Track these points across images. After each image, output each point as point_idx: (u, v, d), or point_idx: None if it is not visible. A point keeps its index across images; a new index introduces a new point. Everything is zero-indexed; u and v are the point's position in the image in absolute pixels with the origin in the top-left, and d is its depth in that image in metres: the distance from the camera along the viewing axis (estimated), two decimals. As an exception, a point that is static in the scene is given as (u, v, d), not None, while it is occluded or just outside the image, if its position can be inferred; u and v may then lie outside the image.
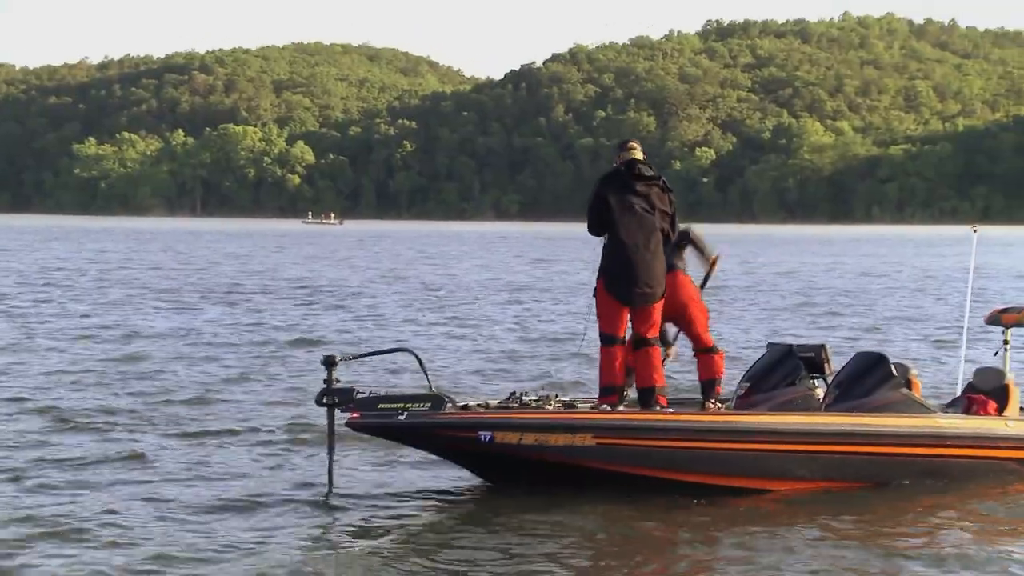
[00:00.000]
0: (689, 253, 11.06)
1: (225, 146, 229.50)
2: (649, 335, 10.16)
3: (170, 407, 13.50)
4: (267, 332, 21.65)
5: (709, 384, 10.65)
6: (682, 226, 10.81)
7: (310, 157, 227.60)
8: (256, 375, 16.07)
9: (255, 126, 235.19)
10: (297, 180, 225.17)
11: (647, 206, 10.11)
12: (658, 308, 10.17)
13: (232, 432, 12.01)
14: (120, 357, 17.72)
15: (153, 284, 35.13)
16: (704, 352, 10.73)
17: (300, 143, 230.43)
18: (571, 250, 70.91)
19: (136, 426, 12.36)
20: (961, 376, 11.79)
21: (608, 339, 10.12)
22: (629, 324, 10.28)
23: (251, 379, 15.73)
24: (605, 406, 10.01)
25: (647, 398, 10.14)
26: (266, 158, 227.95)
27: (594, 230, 10.27)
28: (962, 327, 12.33)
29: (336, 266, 48.60)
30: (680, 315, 10.73)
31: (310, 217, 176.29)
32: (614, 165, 10.45)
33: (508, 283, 38.43)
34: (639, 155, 10.34)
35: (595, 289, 10.21)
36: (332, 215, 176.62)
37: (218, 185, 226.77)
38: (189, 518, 8.98)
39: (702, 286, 11.11)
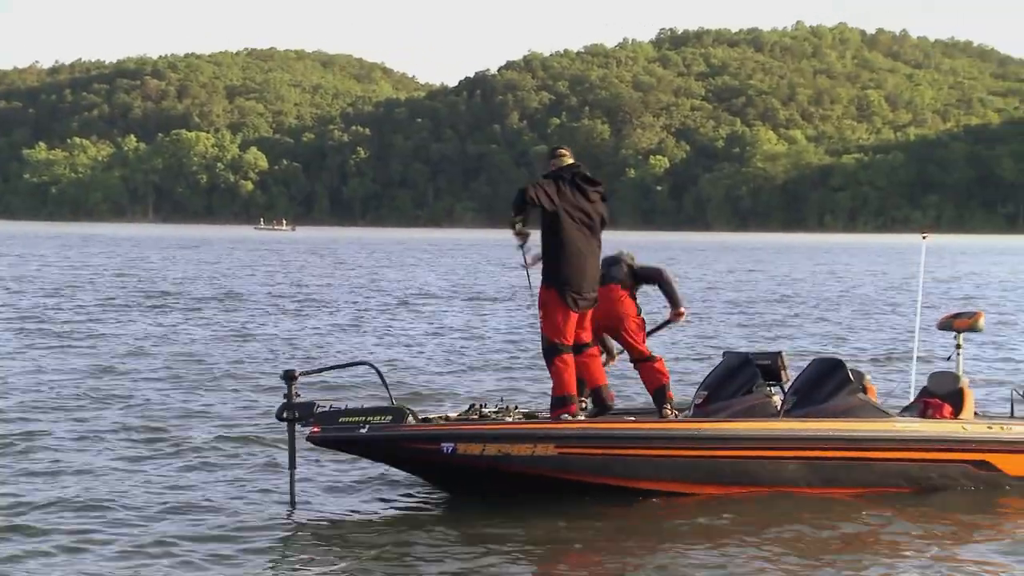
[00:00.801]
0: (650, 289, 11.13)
1: (178, 152, 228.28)
2: (588, 339, 10.24)
3: (123, 422, 13.28)
4: (224, 344, 21.43)
5: (660, 392, 10.63)
6: (656, 264, 11.10)
7: (263, 163, 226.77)
8: (213, 389, 15.86)
9: (208, 132, 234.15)
10: (250, 186, 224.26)
11: (593, 212, 10.13)
12: (591, 312, 10.25)
13: (190, 448, 11.82)
14: (72, 370, 17.46)
15: (100, 292, 34.74)
16: (644, 361, 10.72)
17: (253, 149, 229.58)
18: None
19: (89, 442, 12.13)
20: (913, 381, 11.89)
21: (558, 348, 10.02)
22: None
23: (208, 393, 15.51)
24: (566, 416, 9.97)
25: (601, 396, 10.19)
26: (219, 164, 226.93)
27: (524, 199, 9.99)
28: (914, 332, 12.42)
29: (291, 274, 48.33)
30: (616, 328, 10.75)
31: (262, 223, 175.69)
32: (550, 169, 10.33)
33: (467, 291, 38.37)
34: (571, 161, 10.33)
35: (542, 299, 10.06)
36: (284, 221, 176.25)
37: (171, 191, 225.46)
38: (145, 536, 8.83)
39: (653, 331, 11.21)
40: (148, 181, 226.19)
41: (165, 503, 9.71)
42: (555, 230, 10.01)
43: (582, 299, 10.03)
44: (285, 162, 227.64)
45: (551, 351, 10.04)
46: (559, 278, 9.97)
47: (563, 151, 10.42)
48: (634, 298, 10.86)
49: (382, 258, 68.82)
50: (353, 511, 9.69)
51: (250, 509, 9.59)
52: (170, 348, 20.47)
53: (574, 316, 10.05)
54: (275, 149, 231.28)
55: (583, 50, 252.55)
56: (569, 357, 10.05)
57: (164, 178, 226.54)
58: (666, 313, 11.20)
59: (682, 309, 11.03)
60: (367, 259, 66.75)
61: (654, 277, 11.00)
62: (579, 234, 10.02)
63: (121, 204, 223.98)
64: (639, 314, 10.82)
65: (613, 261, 10.89)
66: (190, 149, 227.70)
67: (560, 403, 10.05)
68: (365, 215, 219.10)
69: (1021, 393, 11.47)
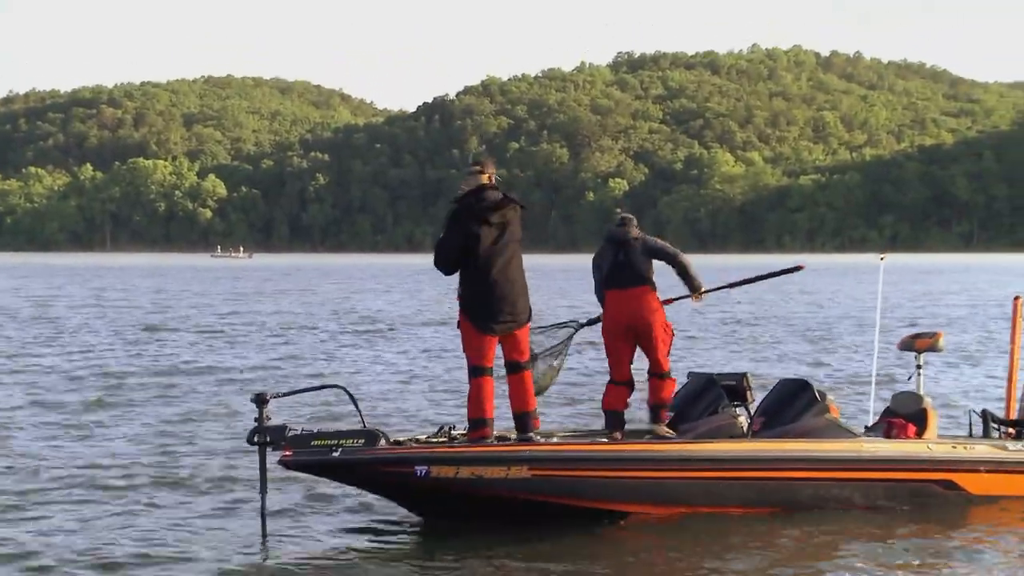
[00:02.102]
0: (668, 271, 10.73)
1: (135, 180, 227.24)
2: (521, 360, 10.03)
3: (89, 450, 13.15)
4: (190, 371, 21.27)
5: (656, 408, 10.53)
6: (671, 248, 10.66)
7: (222, 190, 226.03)
8: (183, 414, 15.75)
9: (165, 160, 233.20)
10: (209, 214, 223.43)
11: (500, 234, 9.93)
12: (525, 332, 10.03)
13: (160, 474, 11.72)
14: (39, 400, 17.27)
15: (61, 322, 34.47)
16: (658, 377, 10.49)
17: (212, 176, 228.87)
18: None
19: (55, 470, 12.00)
20: (872, 401, 11.94)
21: (476, 370, 9.89)
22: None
23: (177, 419, 15.40)
24: (479, 439, 9.82)
25: (524, 422, 9.98)
26: (177, 192, 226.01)
27: (446, 269, 10.00)
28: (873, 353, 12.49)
29: (249, 302, 48.11)
30: (642, 334, 10.44)
31: (219, 251, 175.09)
32: (461, 190, 10.13)
33: (433, 316, 38.30)
34: (485, 178, 10.07)
35: (458, 322, 9.98)
36: (241, 248, 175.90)
37: (128, 219, 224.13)
38: (116, 565, 8.71)
39: (667, 302, 10.88)
40: (105, 210, 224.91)
41: (129, 531, 9.57)
42: (464, 261, 9.91)
43: (496, 323, 9.82)
44: (244, 189, 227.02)
45: (469, 373, 9.96)
46: (468, 304, 9.87)
47: (476, 168, 10.15)
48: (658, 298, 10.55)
49: (346, 285, 68.62)
50: (325, 536, 9.60)
51: (220, 535, 9.49)
52: (132, 376, 20.29)
53: (490, 339, 9.86)
54: (233, 176, 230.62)
55: (541, 74, 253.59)
56: (484, 380, 9.86)
57: (121, 207, 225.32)
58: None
59: (702, 289, 10.70)
60: (330, 285, 66.54)
61: (666, 255, 10.63)
62: (487, 260, 9.84)
63: (77, 233, 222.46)
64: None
65: (623, 238, 10.65)
66: (147, 177, 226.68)
67: (473, 426, 9.92)
68: (325, 241, 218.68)
69: (979, 414, 11.57)
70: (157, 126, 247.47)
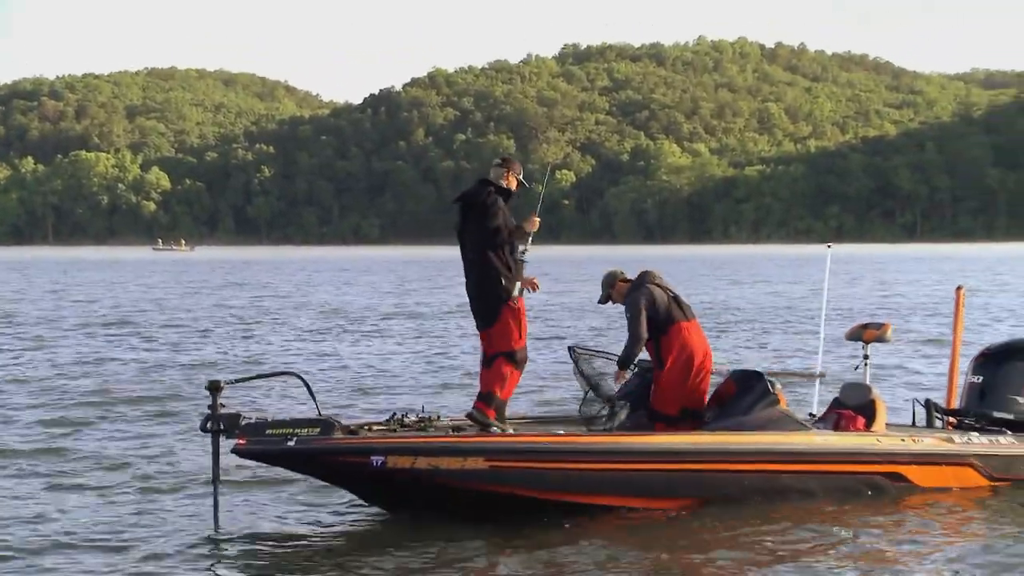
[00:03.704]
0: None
1: (77, 173, 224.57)
2: (490, 352, 10.20)
3: (40, 440, 13.01)
4: (141, 363, 21.06)
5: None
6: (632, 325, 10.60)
7: (166, 183, 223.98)
8: (133, 403, 15.60)
9: (108, 152, 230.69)
10: (153, 207, 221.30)
11: (466, 237, 10.25)
12: (498, 332, 10.12)
13: (110, 464, 11.59)
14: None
15: (8, 318, 34.08)
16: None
17: (155, 169, 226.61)
18: (431, 273, 70.89)
19: (6, 459, 11.86)
20: (817, 391, 12.00)
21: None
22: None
23: (129, 407, 15.25)
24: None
25: (482, 401, 10.09)
26: (120, 185, 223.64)
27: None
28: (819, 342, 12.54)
29: (198, 295, 47.75)
30: None
31: (160, 244, 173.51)
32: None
33: (388, 307, 38.18)
34: (491, 175, 10.55)
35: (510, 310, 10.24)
36: (183, 241, 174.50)
37: (71, 213, 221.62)
38: (59, 564, 8.58)
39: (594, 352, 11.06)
40: (47, 203, 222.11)
41: (79, 518, 9.47)
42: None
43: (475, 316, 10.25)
44: (188, 181, 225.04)
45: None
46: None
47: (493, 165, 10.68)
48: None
49: (299, 277, 68.24)
50: (277, 524, 9.54)
51: (172, 525, 9.40)
52: (81, 369, 20.07)
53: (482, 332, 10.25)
54: (178, 169, 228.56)
55: (487, 66, 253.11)
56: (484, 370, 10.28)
57: (63, 200, 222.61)
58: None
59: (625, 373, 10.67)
60: (279, 277, 66.15)
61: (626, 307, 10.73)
62: (464, 262, 10.35)
63: (19, 227, 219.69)
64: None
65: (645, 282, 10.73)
66: (90, 170, 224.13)
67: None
68: (271, 234, 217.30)
69: (923, 404, 11.64)
70: (99, 118, 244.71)
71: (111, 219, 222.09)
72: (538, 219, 10.34)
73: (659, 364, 10.51)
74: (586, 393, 10.59)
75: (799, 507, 10.09)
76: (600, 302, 11.05)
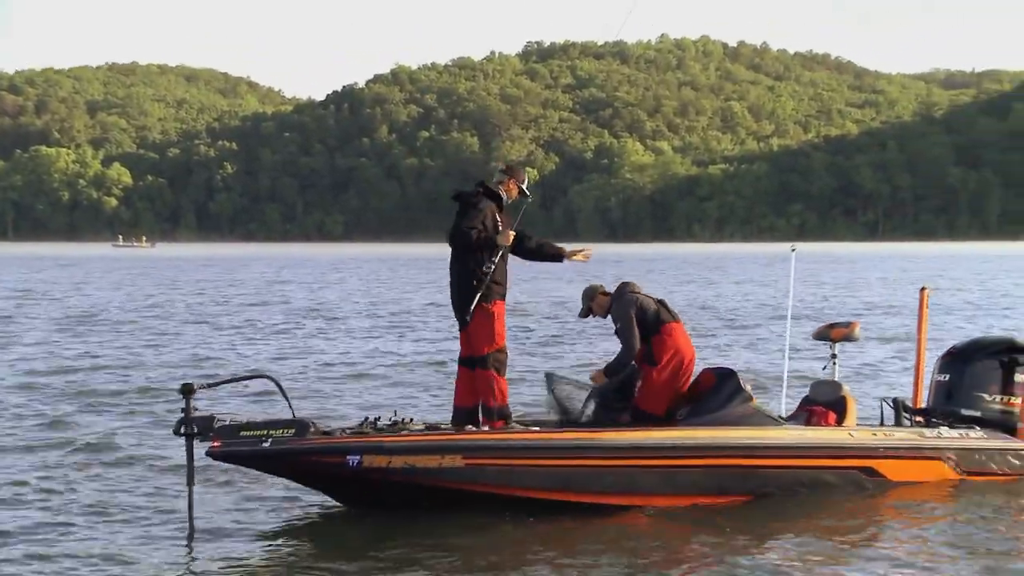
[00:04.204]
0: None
1: (37, 168, 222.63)
2: (464, 354, 10.27)
3: (8, 442, 12.84)
4: (111, 363, 20.82)
5: None
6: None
7: (127, 179, 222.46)
8: (104, 404, 15.43)
9: (69, 148, 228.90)
10: (114, 203, 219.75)
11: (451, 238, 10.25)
12: (472, 334, 10.18)
13: (84, 466, 11.46)
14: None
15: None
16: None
17: (117, 165, 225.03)
18: (399, 271, 70.74)
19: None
20: (784, 388, 12.03)
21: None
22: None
23: (98, 411, 15.06)
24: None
25: (487, 417, 10.18)
26: (81, 181, 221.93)
27: None
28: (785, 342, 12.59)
29: (161, 293, 47.47)
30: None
31: (121, 240, 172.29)
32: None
33: (358, 306, 38.05)
34: (493, 179, 10.62)
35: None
36: (144, 238, 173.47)
37: (31, 208, 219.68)
38: (33, 557, 8.52)
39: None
40: (6, 199, 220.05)
41: (52, 524, 9.36)
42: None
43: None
44: (150, 178, 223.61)
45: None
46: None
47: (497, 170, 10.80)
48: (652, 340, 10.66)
49: (264, 275, 67.93)
50: (253, 527, 9.47)
51: (145, 530, 9.32)
52: (49, 369, 19.83)
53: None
54: (139, 165, 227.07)
55: (451, 63, 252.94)
56: (460, 369, 10.30)
57: (24, 195, 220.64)
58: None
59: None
60: (245, 275, 65.82)
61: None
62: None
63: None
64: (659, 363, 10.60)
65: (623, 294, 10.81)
66: (50, 165, 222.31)
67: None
68: (234, 230, 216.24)
69: (891, 403, 11.72)
70: (60, 114, 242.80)
71: (72, 215, 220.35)
72: (512, 234, 10.27)
73: (651, 362, 10.52)
74: (560, 421, 10.67)
75: (773, 501, 10.12)
76: (580, 316, 11.06)
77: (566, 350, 23.25)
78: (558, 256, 10.74)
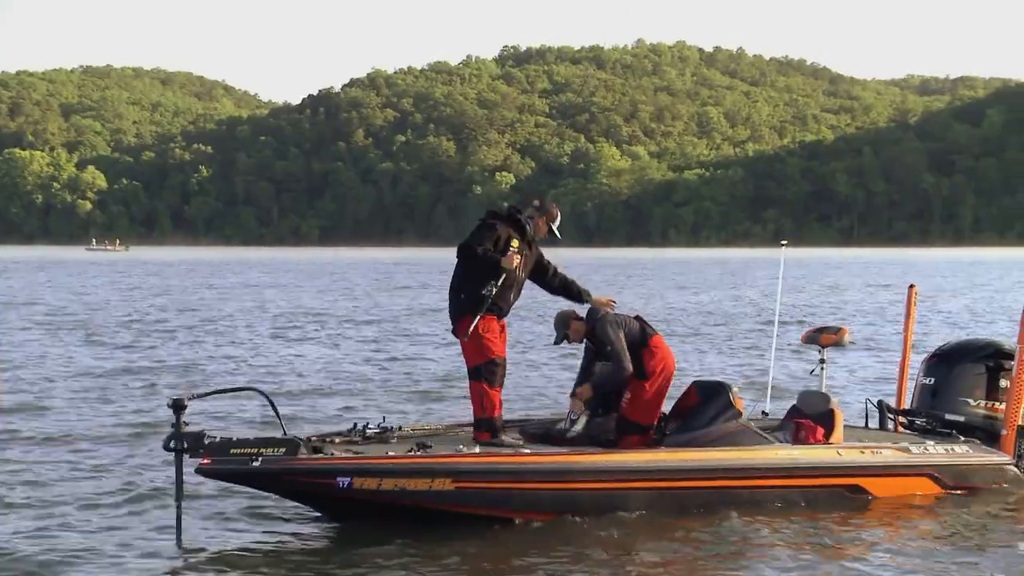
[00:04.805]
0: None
1: (10, 171, 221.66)
2: (468, 365, 10.27)
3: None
4: (96, 372, 20.57)
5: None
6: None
7: (102, 182, 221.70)
8: (95, 419, 15.24)
9: (43, 151, 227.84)
10: (89, 206, 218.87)
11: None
12: (464, 346, 10.19)
13: (71, 481, 11.32)
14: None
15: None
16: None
17: (91, 168, 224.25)
18: (379, 276, 70.60)
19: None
20: (770, 390, 11.98)
21: None
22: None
23: (89, 423, 14.87)
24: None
25: (476, 429, 10.24)
26: (55, 184, 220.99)
27: None
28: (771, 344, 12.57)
29: (133, 300, 47.19)
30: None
31: (94, 243, 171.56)
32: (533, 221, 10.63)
33: (342, 313, 37.92)
34: (532, 210, 10.54)
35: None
36: (117, 241, 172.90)
37: (4, 211, 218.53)
38: (21, 573, 8.41)
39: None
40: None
41: (39, 540, 9.24)
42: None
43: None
44: (125, 181, 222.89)
45: None
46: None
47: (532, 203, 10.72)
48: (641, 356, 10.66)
49: (241, 279, 67.67)
50: (242, 546, 9.35)
51: (133, 546, 9.20)
52: (42, 378, 19.58)
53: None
54: (114, 168, 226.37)
55: (427, 67, 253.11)
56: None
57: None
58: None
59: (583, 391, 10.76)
60: (222, 281, 65.59)
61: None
62: None
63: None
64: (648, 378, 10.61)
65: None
66: (24, 168, 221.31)
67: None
68: (209, 234, 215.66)
69: (875, 404, 11.70)
70: (34, 116, 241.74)
71: (46, 218, 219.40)
72: (518, 257, 10.19)
73: (642, 376, 10.50)
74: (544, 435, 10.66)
75: (760, 520, 10.05)
76: (556, 343, 10.95)
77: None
78: (579, 297, 10.73)
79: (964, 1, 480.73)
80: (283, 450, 9.16)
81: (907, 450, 10.90)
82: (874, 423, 11.97)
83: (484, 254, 10.07)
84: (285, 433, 9.45)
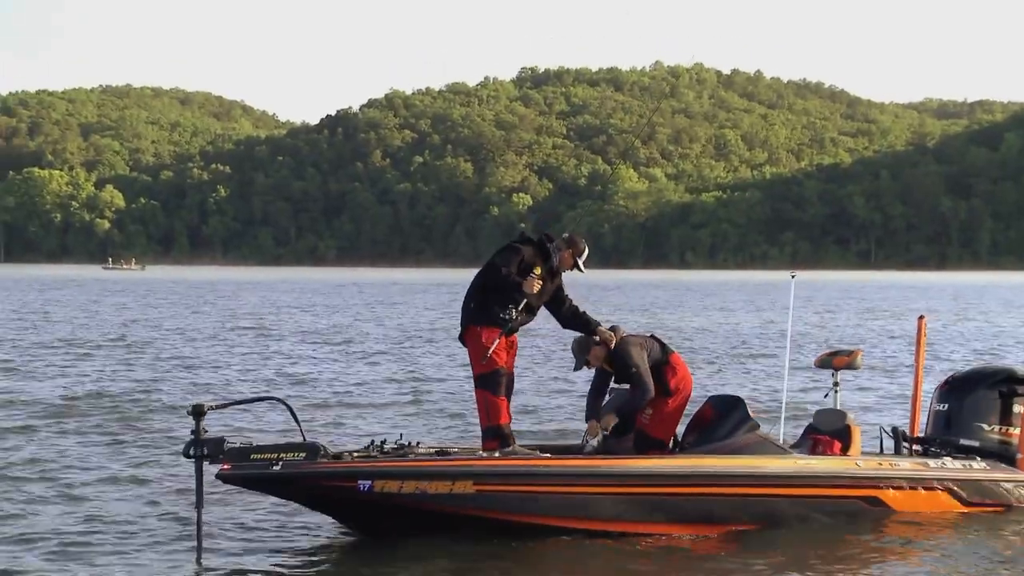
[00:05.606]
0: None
1: (30, 190, 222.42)
2: (475, 373, 10.24)
3: (17, 464, 12.72)
4: (117, 386, 20.65)
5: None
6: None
7: (120, 202, 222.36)
8: (118, 428, 15.29)
9: (62, 170, 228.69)
10: (107, 225, 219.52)
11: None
12: (470, 355, 10.22)
13: (93, 487, 11.36)
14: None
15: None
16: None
17: (110, 187, 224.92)
18: (396, 296, 70.67)
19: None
20: (783, 413, 12.01)
21: None
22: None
23: (112, 432, 14.93)
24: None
25: (484, 438, 10.16)
26: (73, 203, 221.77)
27: None
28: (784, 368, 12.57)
29: (152, 316, 47.31)
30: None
31: (110, 263, 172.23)
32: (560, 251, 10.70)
33: (362, 331, 37.96)
34: (561, 241, 10.66)
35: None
36: (133, 260, 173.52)
37: (23, 230, 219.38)
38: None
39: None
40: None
41: (61, 546, 9.28)
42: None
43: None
44: (143, 200, 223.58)
45: None
46: None
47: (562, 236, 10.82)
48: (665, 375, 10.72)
49: (258, 298, 67.79)
50: (261, 552, 9.39)
51: (155, 552, 9.23)
52: (62, 391, 19.64)
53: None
54: (132, 187, 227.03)
55: (445, 88, 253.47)
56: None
57: (16, 217, 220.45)
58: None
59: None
60: (239, 300, 65.70)
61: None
62: None
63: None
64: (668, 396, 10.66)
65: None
66: (43, 187, 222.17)
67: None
68: (226, 254, 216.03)
69: (890, 431, 11.68)
70: (53, 135, 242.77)
71: (64, 237, 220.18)
72: (538, 283, 10.21)
73: (665, 393, 10.51)
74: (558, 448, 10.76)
75: (778, 530, 10.07)
76: (576, 369, 10.91)
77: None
78: (589, 328, 10.63)
79: (982, 25, 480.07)
80: (303, 455, 9.18)
81: (925, 464, 10.93)
82: (890, 451, 11.90)
83: (507, 276, 10.10)
84: (305, 439, 9.45)
